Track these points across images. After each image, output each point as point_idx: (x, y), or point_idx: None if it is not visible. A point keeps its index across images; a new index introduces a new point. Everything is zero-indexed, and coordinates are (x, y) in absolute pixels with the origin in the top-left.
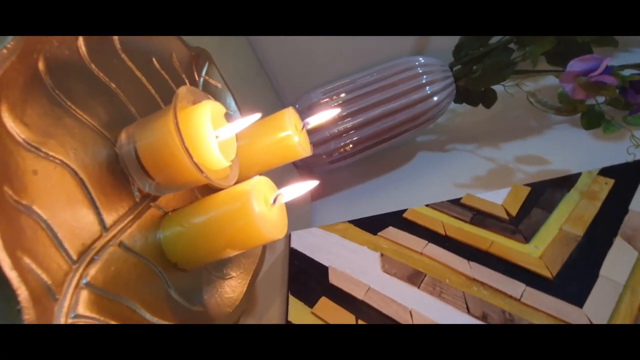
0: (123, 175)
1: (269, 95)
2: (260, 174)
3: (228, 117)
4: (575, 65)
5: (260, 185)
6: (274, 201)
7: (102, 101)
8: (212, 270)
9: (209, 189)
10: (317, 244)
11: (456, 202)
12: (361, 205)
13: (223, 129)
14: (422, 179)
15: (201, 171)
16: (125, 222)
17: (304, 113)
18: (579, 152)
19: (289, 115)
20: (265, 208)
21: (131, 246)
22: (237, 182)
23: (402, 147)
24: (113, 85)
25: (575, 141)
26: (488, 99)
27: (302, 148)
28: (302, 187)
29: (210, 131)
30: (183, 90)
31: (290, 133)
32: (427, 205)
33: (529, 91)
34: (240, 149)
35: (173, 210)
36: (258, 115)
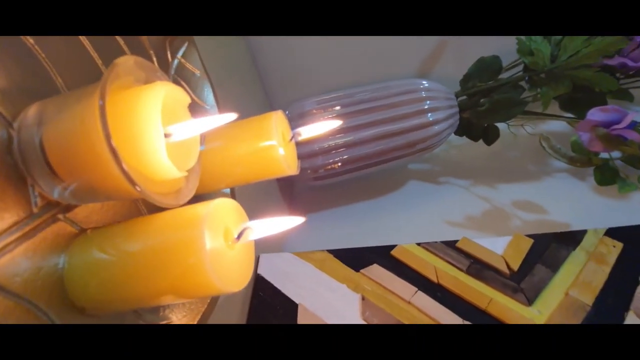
0: (16, 171)
1: (257, 95)
2: (231, 188)
3: (197, 112)
4: (596, 114)
5: (222, 210)
6: (239, 236)
7: (4, 59)
8: (143, 313)
9: None
10: (288, 274)
11: (451, 244)
12: (343, 231)
13: (179, 126)
14: (412, 211)
15: (133, 182)
16: (4, 242)
17: (293, 122)
18: (581, 207)
19: (277, 120)
20: (223, 245)
21: (4, 282)
22: (198, 197)
23: (392, 173)
24: (31, 40)
25: (577, 194)
26: (490, 136)
27: (287, 164)
28: (282, 223)
29: (158, 126)
30: (127, 62)
31: (274, 143)
32: (418, 244)
33: (542, 135)
34: (209, 154)
35: (95, 227)
36: (233, 116)
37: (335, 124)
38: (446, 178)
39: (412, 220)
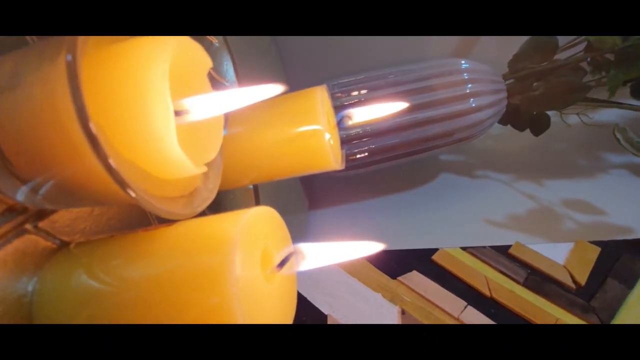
0: None
1: (275, 73)
2: (254, 185)
3: (217, 85)
4: None
5: (259, 225)
6: (282, 264)
7: None
8: None
9: None
10: (315, 279)
11: (502, 251)
12: (369, 230)
13: (197, 100)
14: (448, 209)
15: (123, 183)
16: None
17: None
18: None
19: (322, 97)
20: (259, 276)
21: None
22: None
23: (421, 165)
24: None
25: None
26: (539, 125)
27: (334, 156)
28: (347, 250)
29: (165, 98)
30: None
31: (320, 128)
32: (463, 249)
33: (618, 125)
34: (231, 141)
35: (81, 242)
36: (280, 89)
37: (400, 106)
38: (484, 172)
39: (449, 220)
